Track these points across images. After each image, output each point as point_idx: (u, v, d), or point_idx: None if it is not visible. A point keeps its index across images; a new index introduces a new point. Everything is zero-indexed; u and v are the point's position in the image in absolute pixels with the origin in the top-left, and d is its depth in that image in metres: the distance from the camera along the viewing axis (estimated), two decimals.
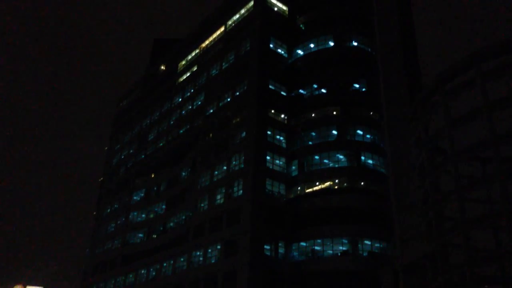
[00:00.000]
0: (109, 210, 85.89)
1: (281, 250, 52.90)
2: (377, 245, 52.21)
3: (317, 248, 52.59)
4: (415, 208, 42.94)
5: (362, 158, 56.04)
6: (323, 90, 61.19)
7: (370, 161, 56.48)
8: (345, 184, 54.94)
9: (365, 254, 51.22)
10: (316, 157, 57.08)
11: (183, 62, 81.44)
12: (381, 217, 52.65)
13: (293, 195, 56.24)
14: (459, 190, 36.85)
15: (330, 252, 52.12)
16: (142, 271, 68.24)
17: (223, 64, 68.88)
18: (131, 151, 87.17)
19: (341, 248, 51.90)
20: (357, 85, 61.10)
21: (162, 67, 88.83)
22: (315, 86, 61.55)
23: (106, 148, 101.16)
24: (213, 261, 55.01)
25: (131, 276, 70.66)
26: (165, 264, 63.70)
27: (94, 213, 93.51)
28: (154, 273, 65.49)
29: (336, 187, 55.27)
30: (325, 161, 56.60)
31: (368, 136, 57.94)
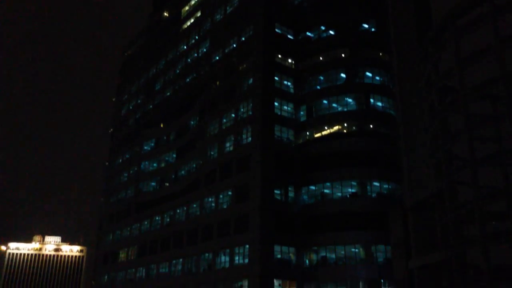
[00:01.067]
0: (120, 160, 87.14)
1: (291, 194, 53.81)
2: (385, 186, 52.78)
3: (326, 191, 53.32)
4: (424, 148, 42.92)
5: (371, 100, 55.59)
6: (331, 32, 59.80)
7: (379, 104, 56.03)
8: (354, 128, 54.86)
9: (373, 195, 51.92)
10: (325, 101, 56.72)
11: (187, 8, 79.48)
12: (390, 159, 52.86)
13: (302, 140, 56.41)
14: (468, 128, 36.56)
15: (339, 194, 52.87)
16: (157, 218, 70.13)
17: (228, 8, 67.12)
18: (139, 101, 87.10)
19: (350, 190, 52.57)
20: (366, 26, 59.56)
21: (165, 14, 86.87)
22: (322, 28, 60.10)
23: (113, 99, 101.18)
24: (225, 207, 56.22)
25: (146, 223, 72.71)
26: (178, 211, 65.29)
27: (107, 163, 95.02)
28: (168, 220, 67.30)
29: (345, 131, 55.23)
30: (334, 105, 56.22)
31: (377, 78, 57.15)
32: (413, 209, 42.27)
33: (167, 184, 70.71)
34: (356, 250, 50.73)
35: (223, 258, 54.61)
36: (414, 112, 46.04)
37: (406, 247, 42.30)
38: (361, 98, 55.61)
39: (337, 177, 52.70)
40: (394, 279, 44.09)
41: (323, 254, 51.22)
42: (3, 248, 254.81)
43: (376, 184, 52.72)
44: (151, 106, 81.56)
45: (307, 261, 51.85)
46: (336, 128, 55.51)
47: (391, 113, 55.23)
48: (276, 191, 52.62)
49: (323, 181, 53.49)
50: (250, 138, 54.86)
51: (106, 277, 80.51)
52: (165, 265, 64.89)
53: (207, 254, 57.36)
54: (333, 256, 50.81)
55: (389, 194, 52.22)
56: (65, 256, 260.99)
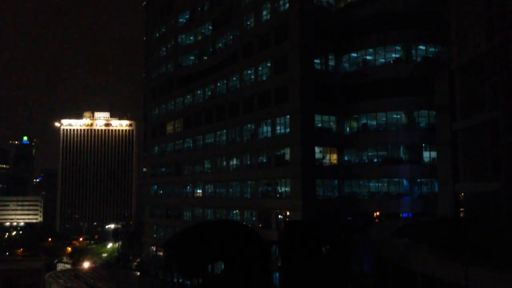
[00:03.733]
0: (157, 34, 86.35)
1: (331, 63, 52.64)
2: (431, 49, 50.39)
3: (368, 57, 51.67)
4: (476, 1, 39.59)
5: None
6: None
7: None
8: None
9: (418, 60, 49.96)
10: None
11: None
12: (437, 20, 49.65)
13: (343, 4, 53.37)
14: None
15: (382, 60, 51.17)
16: (198, 92, 71.38)
17: None
18: None
19: (393, 55, 50.67)
20: None
21: None
22: None
23: None
24: (264, 78, 56.10)
25: (188, 97, 74.35)
26: (219, 84, 65.91)
27: (144, 38, 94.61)
28: (209, 93, 68.40)
29: None
30: None
31: None
32: (460, 69, 40.54)
33: (206, 58, 70.49)
34: (398, 116, 50.57)
35: (265, 128, 56.10)
36: None
37: (451, 111, 41.55)
38: None
39: (381, 41, 50.48)
40: (437, 143, 44.29)
41: (364, 121, 51.52)
42: (57, 124, 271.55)
43: (422, 47, 50.35)
44: None
45: (347, 129, 52.54)
46: None
47: None
48: (316, 60, 51.57)
49: (365, 47, 51.58)
50: (287, 4, 52.32)
51: (156, 148, 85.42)
52: (210, 136, 67.70)
53: (249, 125, 59.01)
54: (374, 123, 51.03)
55: (435, 57, 50.03)
56: (115, 130, 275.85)
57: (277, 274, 19.11)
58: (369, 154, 51.42)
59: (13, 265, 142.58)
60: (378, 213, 49.14)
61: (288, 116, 51.43)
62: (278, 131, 53.34)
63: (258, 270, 15.08)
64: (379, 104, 50.06)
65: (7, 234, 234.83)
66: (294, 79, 50.30)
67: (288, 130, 51.63)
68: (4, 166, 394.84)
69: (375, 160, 50.78)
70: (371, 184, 51.47)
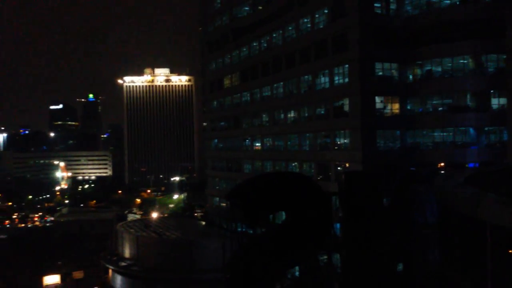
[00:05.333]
0: None
1: (392, 6, 49.99)
2: None
3: None
4: None
5: None
6: None
7: None
8: None
9: None
10: None
11: None
12: None
13: None
14: None
15: (448, 2, 47.94)
16: (254, 44, 70.68)
17: None
18: None
19: None
20: None
21: None
22: None
23: None
24: (321, 26, 54.47)
25: (244, 49, 73.89)
26: (274, 35, 64.81)
27: None
28: (265, 45, 67.56)
29: None
30: None
31: None
32: None
33: (260, 8, 69.20)
34: (465, 61, 47.70)
35: (322, 79, 55.02)
36: None
37: None
38: None
39: None
40: (507, 89, 41.60)
41: (428, 67, 49.08)
42: (120, 81, 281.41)
43: None
44: None
45: (410, 76, 50.38)
46: None
47: None
48: (376, 4, 49.22)
49: None
50: None
51: (215, 103, 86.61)
52: (267, 89, 67.48)
53: (306, 76, 58.08)
54: (439, 69, 48.50)
55: None
56: (175, 86, 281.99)
57: (338, 225, 19.25)
58: (434, 102, 49.30)
59: (87, 215, 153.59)
60: (442, 164, 47.59)
61: (346, 65, 50.01)
62: (337, 81, 52.15)
63: (319, 221, 15.23)
64: (444, 49, 47.29)
65: (80, 187, 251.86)
66: (353, 25, 48.41)
67: (346, 79, 50.35)
68: (74, 123, 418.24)
69: (440, 108, 48.66)
70: (435, 133, 49.63)
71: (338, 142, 53.20)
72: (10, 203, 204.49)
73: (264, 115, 69.23)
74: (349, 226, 17.38)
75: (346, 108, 50.98)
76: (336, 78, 52.12)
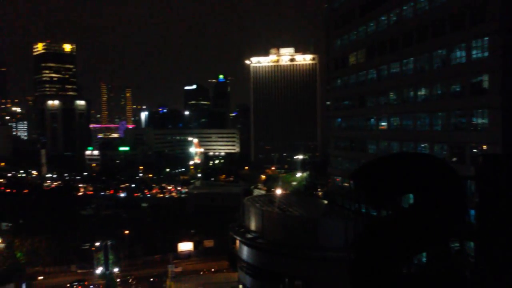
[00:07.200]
0: None
1: None
2: None
3: None
4: None
5: None
6: None
7: None
8: None
9: None
10: None
11: None
12: None
13: None
14: None
15: None
16: (382, 18, 67.67)
17: None
18: None
19: None
20: None
21: None
22: None
23: None
24: None
25: (371, 24, 71.17)
26: (405, 7, 61.30)
27: None
28: (394, 18, 64.31)
29: None
30: None
31: None
32: None
33: None
34: None
35: (458, 53, 50.79)
36: None
37: None
38: None
39: None
40: None
41: None
42: (247, 62, 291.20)
43: None
44: None
45: None
46: None
47: None
48: None
49: None
50: None
51: (339, 81, 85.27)
52: (395, 66, 64.40)
53: (439, 51, 54.11)
54: None
55: None
56: (299, 65, 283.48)
57: (473, 211, 17.89)
58: None
59: (217, 189, 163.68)
60: None
61: (486, 38, 45.42)
62: (474, 55, 47.72)
63: (451, 206, 14.31)
64: None
65: (211, 162, 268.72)
66: None
67: (486, 54, 45.81)
68: (206, 102, 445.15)
69: None
70: None
71: (475, 122, 48.97)
72: (150, 175, 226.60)
73: (391, 93, 66.39)
74: (485, 213, 16.10)
75: (485, 85, 46.55)
76: (474, 52, 47.69)
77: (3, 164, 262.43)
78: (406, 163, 14.97)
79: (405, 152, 54.78)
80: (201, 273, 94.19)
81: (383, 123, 69.30)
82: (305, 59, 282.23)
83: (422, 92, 58.73)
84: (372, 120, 72.50)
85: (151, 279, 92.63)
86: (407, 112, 61.50)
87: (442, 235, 14.83)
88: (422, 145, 57.91)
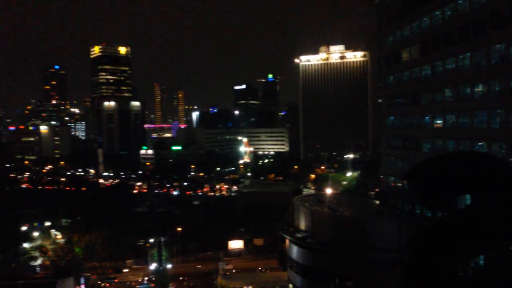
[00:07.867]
0: None
1: None
2: None
3: None
4: None
5: None
6: None
7: None
8: None
9: None
10: None
11: None
12: None
13: None
14: None
15: None
16: (437, 13, 65.33)
17: None
18: None
19: None
20: None
21: None
22: None
23: None
24: None
25: (425, 19, 68.89)
26: (460, 1, 58.93)
27: None
28: (449, 12, 61.97)
29: None
30: None
31: None
32: None
33: None
34: None
35: None
36: None
37: None
38: None
39: None
40: None
41: None
42: (297, 61, 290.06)
43: None
44: None
45: None
46: None
47: None
48: None
49: None
50: None
51: (391, 78, 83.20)
52: (451, 61, 62.06)
53: (498, 45, 51.62)
54: None
55: None
56: (349, 62, 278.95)
57: None
58: None
59: (267, 188, 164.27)
60: None
61: None
62: None
63: (510, 207, 13.64)
64: None
65: (260, 161, 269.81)
66: None
67: None
68: (255, 102, 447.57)
69: None
70: None
71: None
72: (201, 174, 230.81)
73: (446, 90, 64.02)
74: None
75: None
76: None
77: (63, 163, 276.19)
78: (462, 163, 14.43)
79: (462, 151, 52.79)
80: (251, 271, 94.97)
81: (438, 121, 66.97)
82: (355, 56, 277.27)
83: (479, 88, 56.27)
84: (427, 117, 70.20)
85: (204, 275, 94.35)
86: (464, 109, 59.13)
87: (501, 238, 14.19)
88: (480, 143, 55.51)
